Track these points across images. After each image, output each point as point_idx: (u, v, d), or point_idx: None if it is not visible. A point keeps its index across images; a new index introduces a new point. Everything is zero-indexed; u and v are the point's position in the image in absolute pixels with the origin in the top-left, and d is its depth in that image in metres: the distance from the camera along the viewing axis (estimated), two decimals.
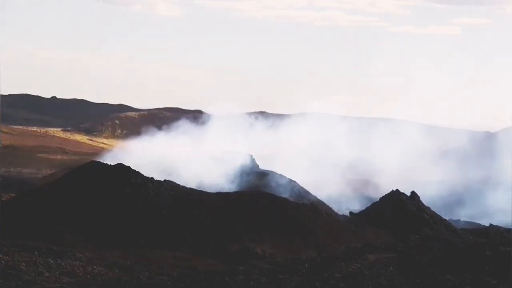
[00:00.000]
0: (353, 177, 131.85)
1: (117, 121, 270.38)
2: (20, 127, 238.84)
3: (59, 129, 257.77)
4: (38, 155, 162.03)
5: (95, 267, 52.97)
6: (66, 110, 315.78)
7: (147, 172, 74.46)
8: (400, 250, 56.58)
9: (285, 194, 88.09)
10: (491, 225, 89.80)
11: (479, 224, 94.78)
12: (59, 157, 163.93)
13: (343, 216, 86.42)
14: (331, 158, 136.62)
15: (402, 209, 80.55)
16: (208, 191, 77.38)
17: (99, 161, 76.11)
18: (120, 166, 71.27)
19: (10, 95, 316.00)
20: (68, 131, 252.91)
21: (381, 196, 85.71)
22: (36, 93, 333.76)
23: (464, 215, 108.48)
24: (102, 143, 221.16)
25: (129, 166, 71.39)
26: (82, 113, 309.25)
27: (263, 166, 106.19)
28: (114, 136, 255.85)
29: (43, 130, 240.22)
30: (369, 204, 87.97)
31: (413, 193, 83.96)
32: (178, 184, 73.78)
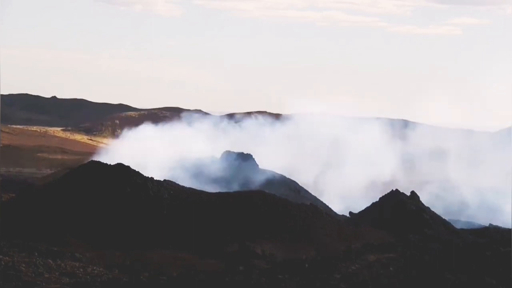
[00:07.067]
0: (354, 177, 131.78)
1: (117, 121, 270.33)
2: (20, 127, 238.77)
3: (59, 129, 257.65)
4: (38, 155, 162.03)
5: (95, 267, 52.93)
6: (66, 110, 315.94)
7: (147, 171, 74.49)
8: (400, 250, 56.47)
9: (285, 194, 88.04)
10: (491, 225, 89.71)
11: (479, 224, 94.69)
12: (59, 157, 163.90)
13: (343, 216, 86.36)
14: (334, 158, 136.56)
15: (402, 209, 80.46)
16: (208, 190, 77.38)
17: (99, 161, 76.09)
18: (120, 166, 71.20)
19: (10, 95, 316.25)
20: (68, 131, 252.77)
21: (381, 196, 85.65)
22: (36, 93, 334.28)
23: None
24: (102, 143, 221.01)
25: (129, 166, 71.35)
26: (82, 113, 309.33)
27: (262, 165, 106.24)
28: (114, 136, 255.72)
29: (43, 130, 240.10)
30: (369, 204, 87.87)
31: (412, 193, 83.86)
32: (178, 184, 73.76)
